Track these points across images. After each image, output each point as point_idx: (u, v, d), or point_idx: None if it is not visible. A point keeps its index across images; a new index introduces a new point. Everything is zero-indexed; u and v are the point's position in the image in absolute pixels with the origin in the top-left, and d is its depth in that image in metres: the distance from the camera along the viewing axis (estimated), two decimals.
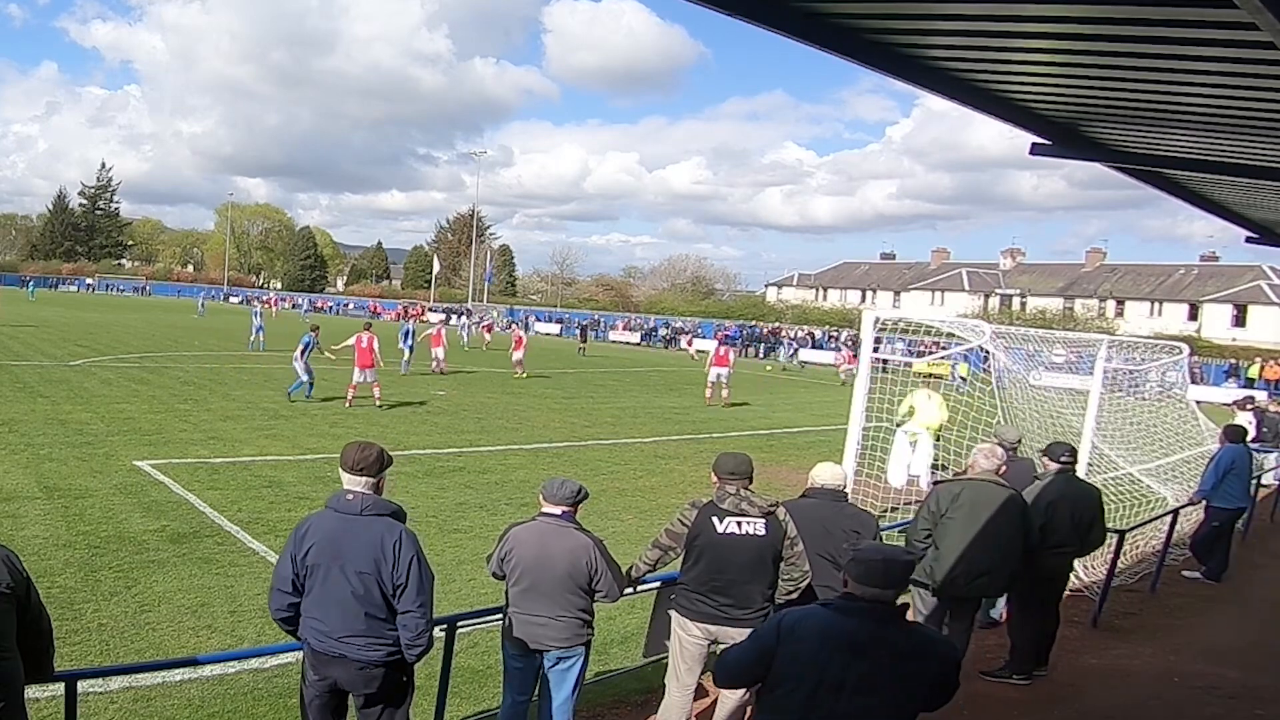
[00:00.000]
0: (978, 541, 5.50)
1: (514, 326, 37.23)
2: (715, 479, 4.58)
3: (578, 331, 45.38)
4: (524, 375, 25.64)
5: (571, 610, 4.28)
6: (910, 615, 5.81)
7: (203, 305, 54.99)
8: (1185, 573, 9.20)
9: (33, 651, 3.21)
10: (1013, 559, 5.67)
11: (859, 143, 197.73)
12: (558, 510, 4.36)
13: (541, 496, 4.44)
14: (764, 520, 4.45)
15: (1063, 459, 6.33)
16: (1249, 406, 15.07)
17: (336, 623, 3.55)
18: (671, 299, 78.44)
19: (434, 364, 25.34)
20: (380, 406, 17.18)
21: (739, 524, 4.42)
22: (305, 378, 17.57)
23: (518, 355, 26.49)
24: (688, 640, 4.60)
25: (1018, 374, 9.96)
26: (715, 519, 4.44)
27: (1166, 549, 8.85)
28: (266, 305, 61.49)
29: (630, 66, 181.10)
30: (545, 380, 25.53)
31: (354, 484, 3.66)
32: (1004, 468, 5.89)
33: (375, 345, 17.59)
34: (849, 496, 5.31)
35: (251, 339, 29.70)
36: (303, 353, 17.59)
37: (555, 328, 60.45)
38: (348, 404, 17.13)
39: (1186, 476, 12.05)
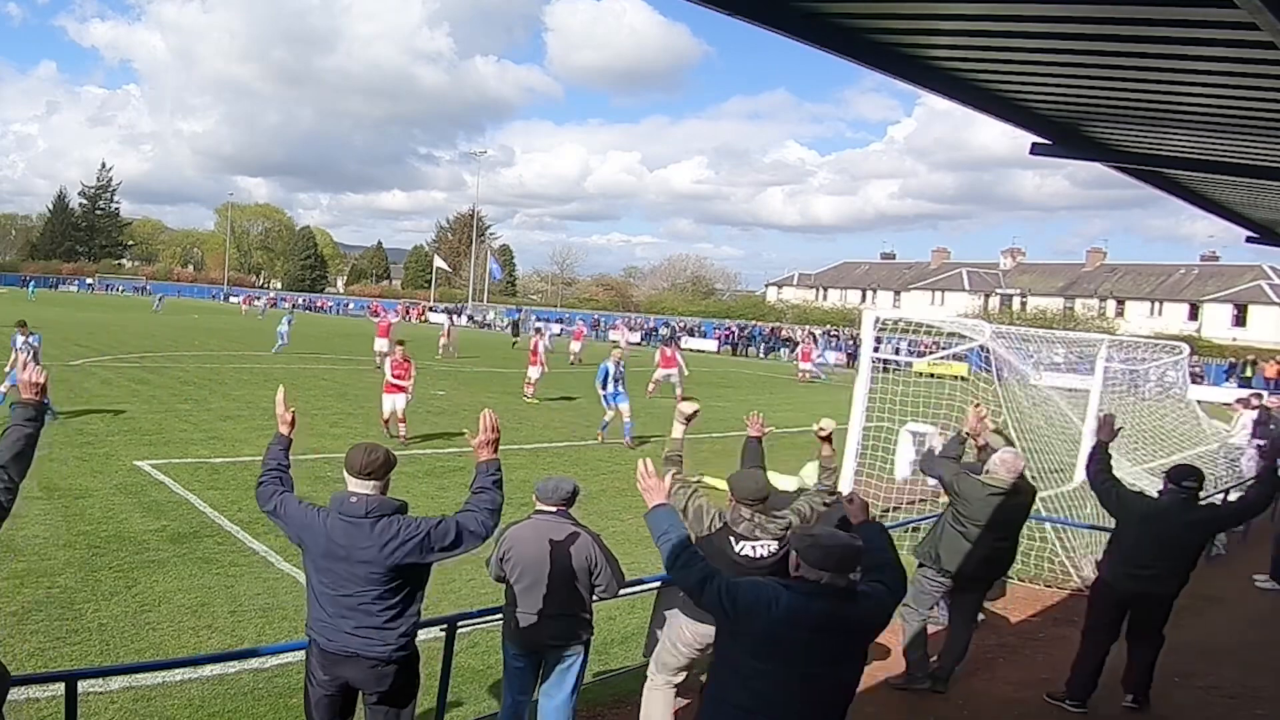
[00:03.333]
0: (989, 543, 5.77)
1: (540, 330, 26.58)
2: (731, 499, 4.53)
3: (509, 326, 45.59)
4: (535, 400, 20.40)
5: (572, 609, 4.30)
6: (912, 593, 5.91)
7: (159, 301, 55.14)
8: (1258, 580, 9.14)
9: None
10: (1015, 550, 6.11)
11: (861, 142, 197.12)
12: (552, 509, 4.38)
13: (536, 497, 4.45)
14: (777, 542, 4.47)
15: (1184, 483, 5.74)
16: (1253, 404, 15.04)
17: (348, 621, 3.57)
18: (671, 299, 78.46)
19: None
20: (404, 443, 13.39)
21: (754, 548, 4.44)
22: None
23: (534, 372, 20.41)
24: (687, 636, 4.62)
25: (1019, 373, 9.97)
26: (731, 540, 4.45)
27: None
28: (247, 304, 62.20)
29: (633, 65, 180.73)
30: (544, 380, 25.50)
31: (360, 487, 3.64)
32: (1021, 474, 5.99)
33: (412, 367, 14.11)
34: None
35: (279, 344, 28.75)
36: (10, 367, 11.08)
37: (555, 328, 60.58)
38: (394, 436, 13.63)
39: None
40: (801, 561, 3.18)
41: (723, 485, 4.88)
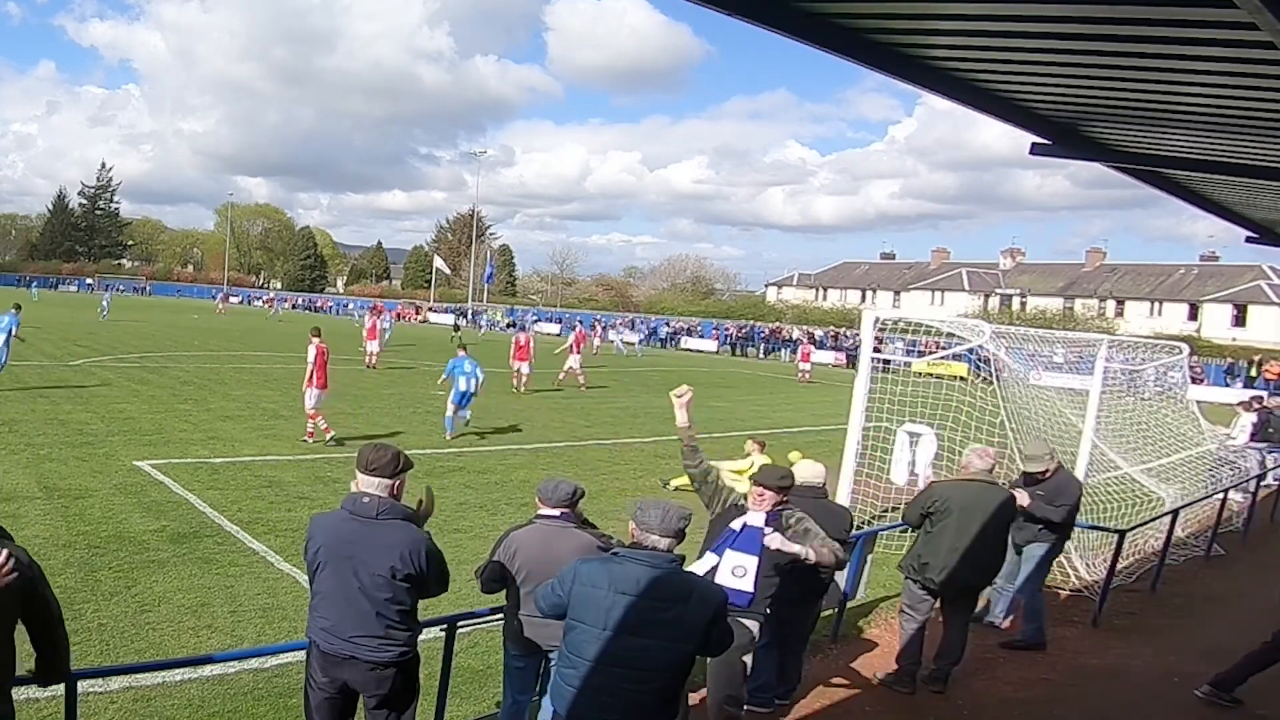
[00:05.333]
0: (968, 538, 5.69)
1: (523, 327, 28.75)
2: (785, 497, 4.73)
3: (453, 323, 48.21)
4: (523, 390, 20.89)
5: None
6: (900, 607, 6.00)
7: (278, 306, 55.45)
8: None
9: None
10: (1000, 554, 6.05)
11: (862, 142, 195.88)
12: (555, 512, 4.37)
13: (538, 499, 4.45)
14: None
15: None
16: (1255, 406, 15.02)
17: (348, 624, 3.58)
18: (671, 299, 78.47)
19: (368, 358, 25.49)
20: (329, 441, 13.03)
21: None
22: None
23: (525, 368, 21.39)
24: None
25: (1018, 374, 9.96)
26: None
27: (1166, 549, 8.85)
28: (222, 303, 62.41)
29: (634, 65, 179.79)
30: (542, 379, 25.51)
31: (369, 485, 3.67)
32: (995, 466, 6.06)
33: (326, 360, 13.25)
34: (829, 493, 5.45)
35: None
36: (5, 340, 16.48)
37: (555, 327, 60.55)
38: (308, 438, 13.19)
39: (1186, 477, 12.05)
40: (634, 527, 3.47)
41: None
